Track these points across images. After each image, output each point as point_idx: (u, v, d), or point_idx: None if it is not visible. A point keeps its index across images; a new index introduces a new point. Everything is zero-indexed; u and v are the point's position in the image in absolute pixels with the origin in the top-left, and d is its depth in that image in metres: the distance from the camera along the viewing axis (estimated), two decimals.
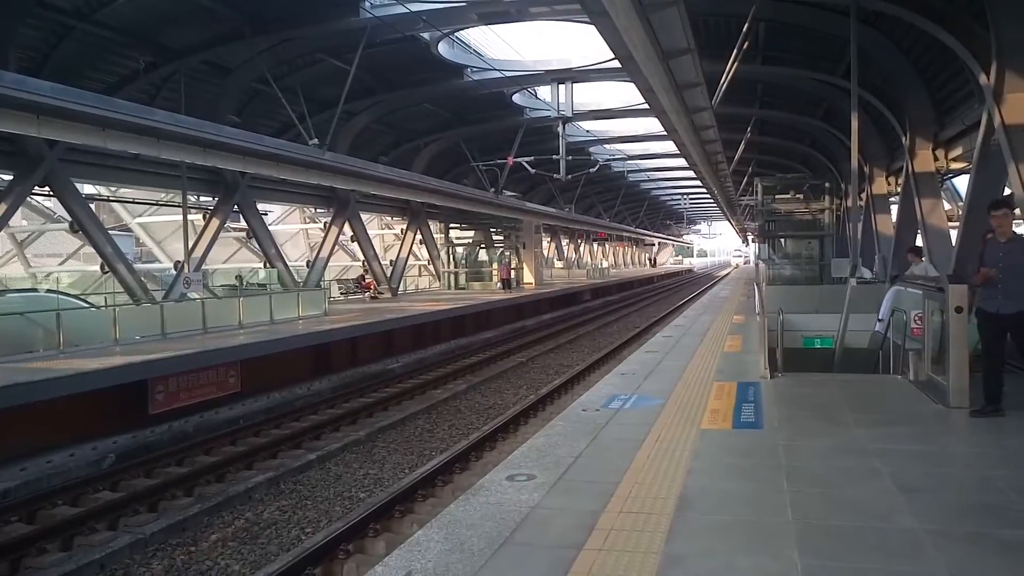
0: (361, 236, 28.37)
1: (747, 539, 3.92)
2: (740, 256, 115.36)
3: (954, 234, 14.09)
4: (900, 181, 18.60)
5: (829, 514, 4.26)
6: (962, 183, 20.46)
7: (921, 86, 15.42)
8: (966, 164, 15.08)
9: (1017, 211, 10.83)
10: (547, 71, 23.61)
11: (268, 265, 23.74)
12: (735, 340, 12.63)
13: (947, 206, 19.79)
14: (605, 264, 65.46)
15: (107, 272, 18.30)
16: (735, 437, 6.06)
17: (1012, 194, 10.56)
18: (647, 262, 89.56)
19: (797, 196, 24.66)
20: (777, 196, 25.13)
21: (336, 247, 28.81)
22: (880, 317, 10.10)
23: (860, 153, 14.06)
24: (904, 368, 8.43)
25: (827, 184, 24.40)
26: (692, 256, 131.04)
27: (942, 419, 6.54)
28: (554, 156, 27.09)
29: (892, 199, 20.98)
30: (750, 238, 63.46)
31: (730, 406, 7.15)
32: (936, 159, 15.99)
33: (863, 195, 21.50)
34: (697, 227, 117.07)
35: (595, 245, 66.46)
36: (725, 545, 3.84)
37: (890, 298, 9.84)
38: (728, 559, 3.67)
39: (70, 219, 17.54)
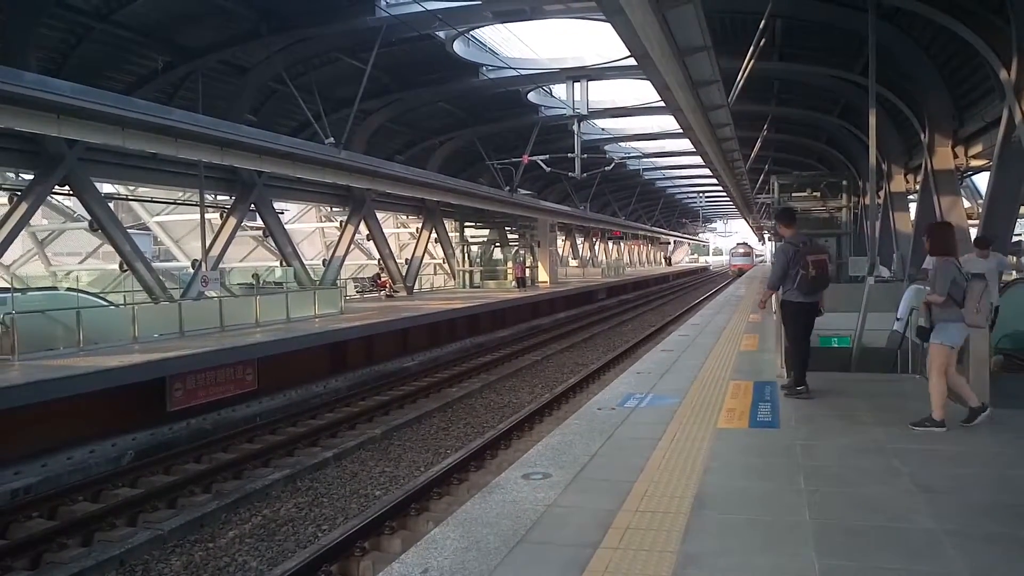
0: (377, 235, 28.46)
1: (764, 538, 3.91)
2: (745, 255, 76.49)
3: (974, 232, 13.93)
4: (919, 178, 18.41)
5: (847, 514, 4.23)
6: (982, 180, 20.28)
7: (940, 82, 15.24)
8: (986, 161, 14.91)
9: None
10: (562, 69, 23.55)
11: (284, 264, 23.86)
12: (751, 339, 12.57)
13: (966, 204, 19.60)
14: (623, 261, 65.27)
15: (126, 271, 18.47)
16: (752, 436, 6.03)
17: None
18: (662, 260, 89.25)
19: (814, 194, 24.37)
20: (794, 194, 24.90)
21: (352, 246, 28.88)
22: (898, 316, 9.98)
23: (878, 150, 13.94)
24: (923, 368, 8.36)
25: (844, 182, 24.10)
26: (708, 254, 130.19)
27: (961, 418, 6.46)
28: (569, 154, 27.01)
29: (911, 197, 20.78)
30: (766, 236, 63.03)
31: (746, 405, 7.12)
32: (956, 156, 15.80)
33: (881, 193, 21.30)
34: (713, 225, 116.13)
35: (610, 243, 66.28)
36: (742, 544, 3.83)
37: (908, 297, 9.72)
38: (745, 558, 3.66)
39: (89, 218, 17.72)
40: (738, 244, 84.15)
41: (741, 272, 63.94)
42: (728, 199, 50.18)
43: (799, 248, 7.39)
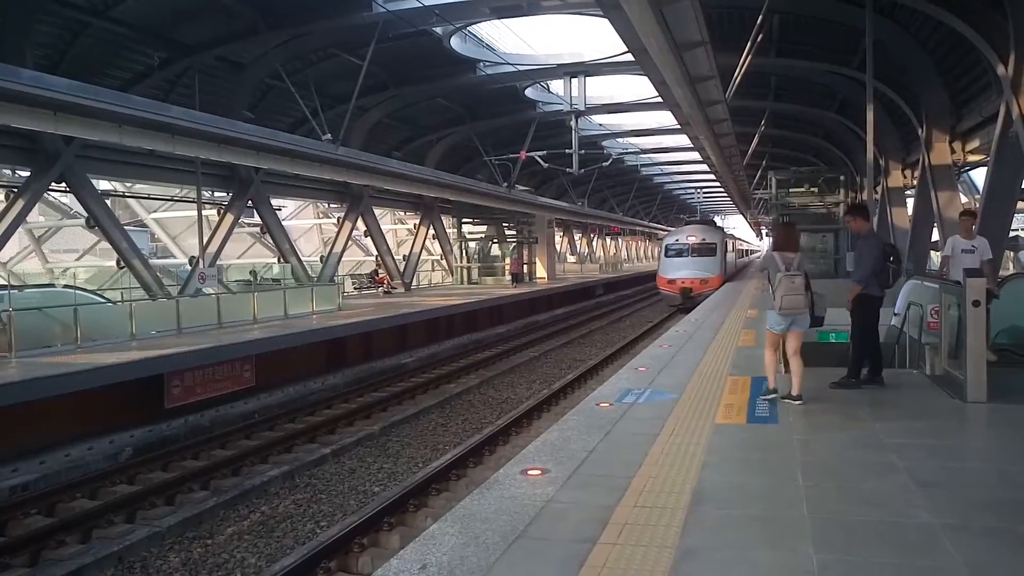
0: (374, 231, 28.43)
1: (762, 533, 3.91)
2: (704, 250, 29.95)
3: None
4: (916, 174, 18.44)
5: (845, 508, 4.24)
6: (979, 175, 20.29)
7: (938, 77, 15.25)
8: (983, 156, 14.91)
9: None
10: (559, 65, 23.52)
11: (282, 260, 23.83)
12: (749, 334, 12.56)
13: (964, 199, 19.61)
14: (621, 257, 65.24)
15: (123, 267, 18.43)
16: (750, 431, 6.04)
17: None
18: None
19: (811, 189, 24.50)
20: (791, 189, 24.99)
21: (349, 242, 28.86)
22: (896, 311, 10.03)
23: (875, 146, 13.98)
24: (920, 362, 8.37)
25: (842, 177, 24.20)
26: None
27: (959, 413, 6.49)
28: (567, 150, 26.98)
29: (908, 192, 20.81)
30: (763, 231, 62.97)
31: (744, 400, 7.12)
32: (953, 151, 15.82)
33: (878, 188, 21.32)
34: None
35: (608, 239, 66.26)
36: (740, 539, 3.83)
37: (906, 292, 9.78)
38: (743, 553, 3.66)
39: (86, 215, 17.66)
40: (688, 224, 37.92)
41: (690, 298, 27.00)
42: (726, 195, 50.19)
43: (883, 241, 7.72)
